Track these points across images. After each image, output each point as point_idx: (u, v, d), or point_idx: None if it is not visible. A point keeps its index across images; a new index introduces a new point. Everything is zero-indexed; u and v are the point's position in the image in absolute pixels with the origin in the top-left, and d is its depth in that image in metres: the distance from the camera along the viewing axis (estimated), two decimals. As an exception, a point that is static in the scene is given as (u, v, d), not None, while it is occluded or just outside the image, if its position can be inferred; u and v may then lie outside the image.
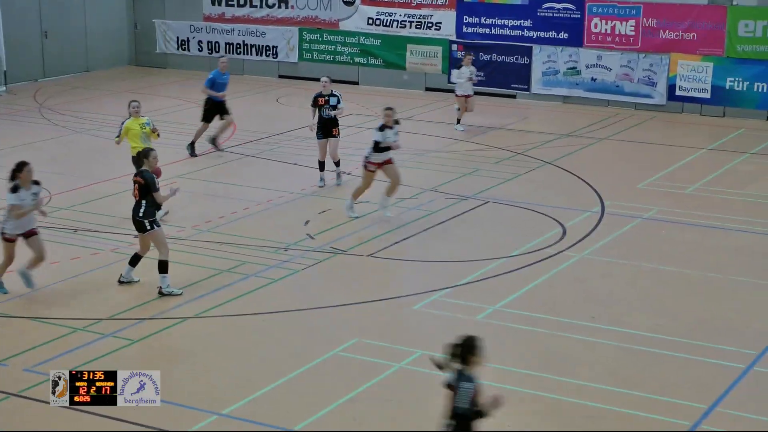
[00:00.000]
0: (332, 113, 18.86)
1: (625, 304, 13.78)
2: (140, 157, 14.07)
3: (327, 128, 18.88)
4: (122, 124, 17.27)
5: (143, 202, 13.72)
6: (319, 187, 18.93)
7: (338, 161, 19.18)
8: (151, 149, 14.36)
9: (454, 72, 24.20)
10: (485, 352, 8.50)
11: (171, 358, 12.16)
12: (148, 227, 13.73)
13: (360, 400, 10.96)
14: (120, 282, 14.16)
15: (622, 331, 12.79)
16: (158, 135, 17.29)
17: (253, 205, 17.95)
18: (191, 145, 21.33)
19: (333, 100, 18.83)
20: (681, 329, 12.86)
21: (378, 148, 16.79)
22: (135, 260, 14.13)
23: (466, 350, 8.48)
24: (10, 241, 13.63)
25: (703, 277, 14.77)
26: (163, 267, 13.73)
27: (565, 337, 12.62)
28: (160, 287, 13.79)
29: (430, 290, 14.09)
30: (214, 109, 21.51)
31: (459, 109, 24.12)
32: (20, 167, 13.52)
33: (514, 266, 15.02)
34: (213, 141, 21.55)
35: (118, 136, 17.33)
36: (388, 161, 16.97)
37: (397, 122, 17.03)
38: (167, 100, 27.40)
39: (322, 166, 19.05)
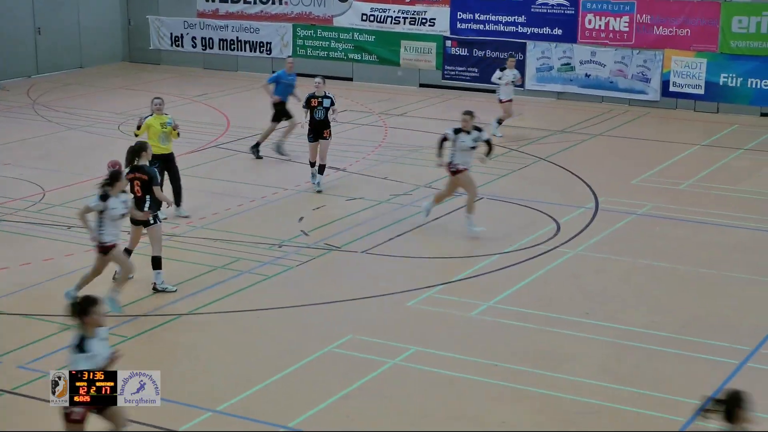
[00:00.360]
0: (332, 116, 18.40)
1: (619, 300, 13.80)
2: (137, 152, 13.82)
3: (318, 130, 18.37)
4: (144, 119, 16.71)
5: (147, 197, 13.70)
6: (315, 186, 18.57)
7: (324, 166, 18.55)
8: (147, 143, 14.27)
9: (496, 73, 22.90)
10: (753, 408, 7.60)
11: (165, 355, 12.16)
12: (152, 221, 13.72)
13: (354, 397, 10.95)
14: (114, 279, 14.13)
15: (617, 327, 12.80)
16: (178, 134, 16.74)
17: (247, 202, 17.94)
18: (256, 147, 20.67)
19: (326, 102, 18.33)
20: (675, 325, 12.87)
21: (459, 152, 15.93)
22: (126, 255, 14.10)
23: (732, 405, 7.55)
24: (107, 251, 12.77)
25: (696, 273, 14.78)
26: (157, 263, 13.72)
27: (559, 333, 12.62)
28: (155, 283, 13.77)
29: (424, 287, 14.08)
30: (285, 110, 20.65)
31: (502, 117, 22.92)
32: (118, 176, 12.71)
33: (508, 262, 15.02)
34: (278, 148, 20.68)
35: (138, 128, 16.68)
36: (464, 168, 16.13)
37: (477, 128, 16.05)
38: (164, 96, 27.31)
39: (313, 165, 18.65)
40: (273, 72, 20.52)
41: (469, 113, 16.16)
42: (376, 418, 10.57)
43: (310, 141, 18.52)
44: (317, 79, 18.66)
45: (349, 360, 11.83)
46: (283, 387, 11.18)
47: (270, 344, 12.33)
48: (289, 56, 22.39)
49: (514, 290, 14.02)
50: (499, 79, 22.81)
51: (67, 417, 9.16)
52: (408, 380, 11.41)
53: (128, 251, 14.09)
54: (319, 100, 18.35)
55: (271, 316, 13.19)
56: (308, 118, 18.49)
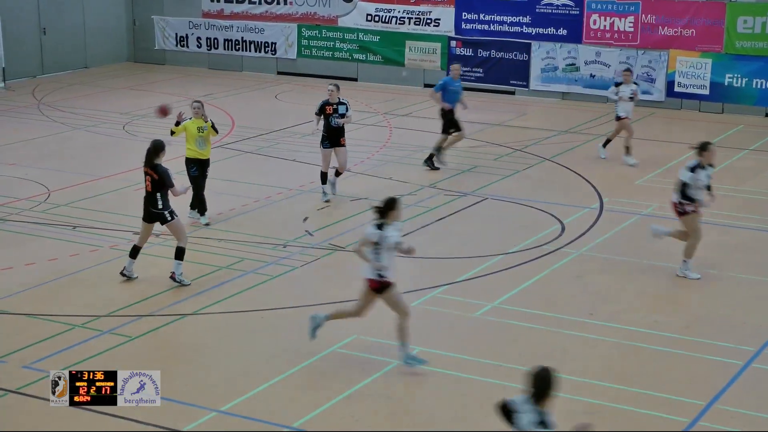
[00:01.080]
0: (340, 121, 17.86)
1: (623, 300, 13.79)
2: (157, 151, 13.77)
3: (335, 138, 17.92)
4: (183, 119, 16.62)
5: (158, 194, 13.73)
6: (325, 202, 17.99)
7: (342, 172, 18.18)
8: (163, 142, 14.05)
9: (611, 89, 20.89)
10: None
11: (169, 355, 12.17)
12: (169, 218, 13.79)
13: (358, 397, 10.96)
14: (122, 274, 14.15)
15: (620, 327, 12.80)
16: (214, 128, 16.63)
17: (252, 202, 17.95)
18: (433, 157, 20.00)
19: (341, 109, 17.88)
20: (678, 326, 12.87)
21: (685, 192, 14.31)
22: (135, 252, 14.15)
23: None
24: (382, 289, 11.50)
25: (700, 273, 14.76)
26: (180, 253, 13.80)
27: (563, 333, 12.63)
28: (173, 273, 13.89)
29: (429, 287, 14.09)
30: (454, 119, 20.02)
31: (610, 137, 21.09)
32: (393, 204, 11.34)
33: (512, 263, 15.02)
34: (438, 151, 20.12)
35: (176, 125, 16.53)
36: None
37: (711, 165, 14.45)
38: (166, 96, 27.36)
39: (324, 178, 18.15)
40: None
41: (712, 144, 14.50)
42: (381, 418, 10.58)
43: (325, 147, 17.98)
44: (330, 87, 18.08)
45: (354, 360, 11.84)
46: (288, 387, 11.19)
47: (274, 344, 12.34)
48: (455, 63, 22.26)
49: (519, 290, 14.02)
50: (616, 94, 20.57)
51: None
52: (412, 381, 11.41)
53: (137, 248, 14.15)
54: (334, 107, 17.89)
55: (276, 317, 13.20)
56: (321, 125, 18.04)
